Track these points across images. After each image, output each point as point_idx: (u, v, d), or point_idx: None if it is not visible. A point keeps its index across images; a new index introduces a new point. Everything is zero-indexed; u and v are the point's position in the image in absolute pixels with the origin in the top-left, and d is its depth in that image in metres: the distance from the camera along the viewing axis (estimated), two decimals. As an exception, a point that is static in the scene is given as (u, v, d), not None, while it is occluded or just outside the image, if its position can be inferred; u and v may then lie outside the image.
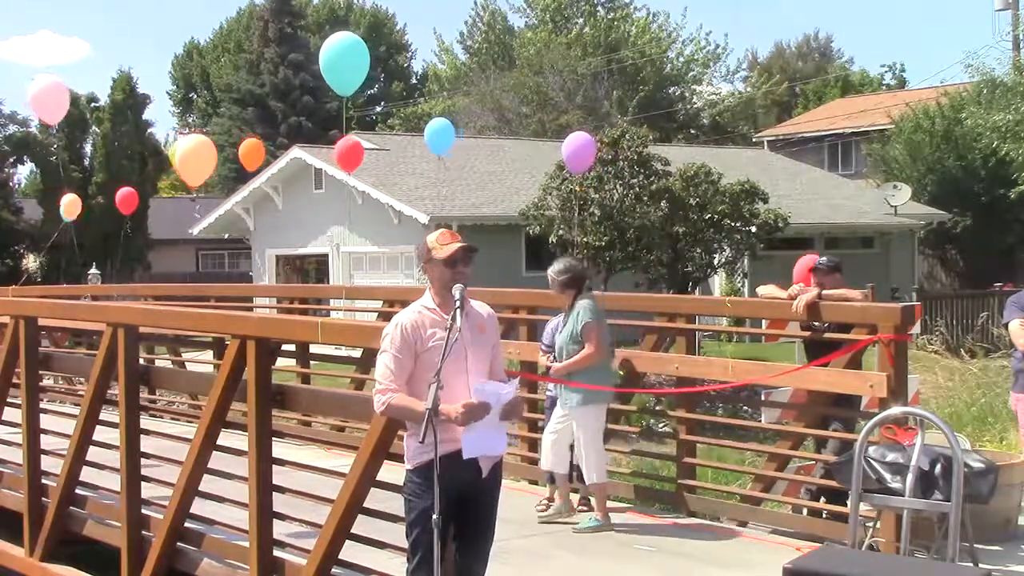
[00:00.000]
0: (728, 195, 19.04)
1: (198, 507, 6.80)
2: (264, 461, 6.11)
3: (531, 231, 20.30)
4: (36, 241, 33.97)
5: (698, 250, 19.28)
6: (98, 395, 7.45)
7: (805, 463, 8.18)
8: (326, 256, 27.57)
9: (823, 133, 41.14)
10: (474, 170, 28.01)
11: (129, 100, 39.63)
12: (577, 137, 14.49)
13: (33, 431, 7.91)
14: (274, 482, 6.23)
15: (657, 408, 11.55)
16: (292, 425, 10.94)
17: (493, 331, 5.03)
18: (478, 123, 43.44)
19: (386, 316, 9.19)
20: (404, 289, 14.93)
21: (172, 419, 11.63)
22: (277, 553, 6.20)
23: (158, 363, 13.07)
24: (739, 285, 24.08)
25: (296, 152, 27.30)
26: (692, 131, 50.51)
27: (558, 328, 8.10)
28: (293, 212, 27.96)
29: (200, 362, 13.21)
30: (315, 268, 29.33)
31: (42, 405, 8.69)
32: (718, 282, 25.31)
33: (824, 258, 7.93)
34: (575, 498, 8.26)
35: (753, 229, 19.62)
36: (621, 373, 8.93)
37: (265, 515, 6.12)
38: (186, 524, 6.77)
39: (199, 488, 6.65)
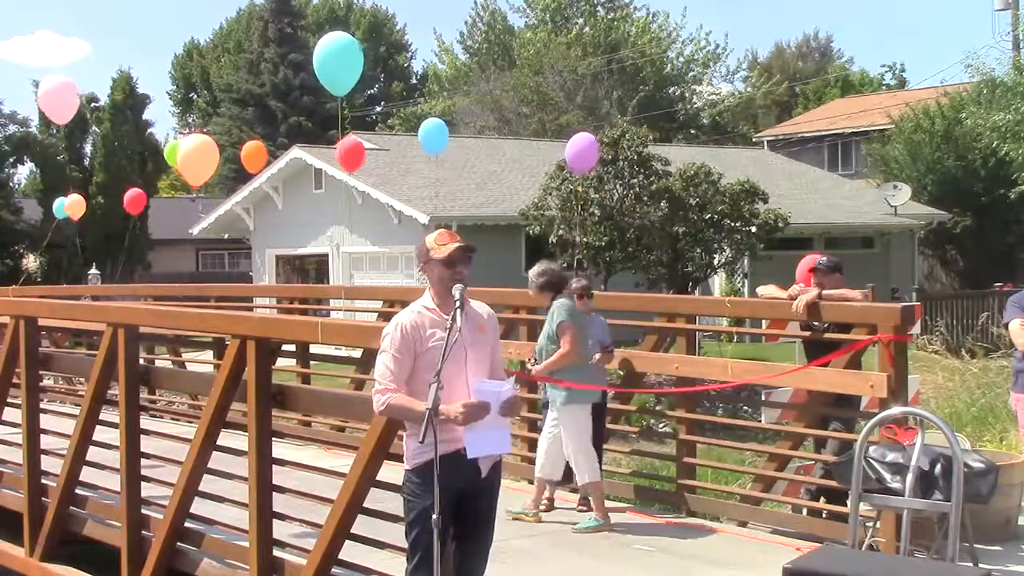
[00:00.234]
0: (728, 195, 19.05)
1: (198, 507, 6.80)
2: (264, 461, 6.11)
3: (531, 231, 20.31)
4: (36, 241, 33.97)
5: (698, 250, 19.29)
6: (98, 395, 7.44)
7: (805, 463, 8.18)
8: (326, 256, 27.57)
9: (823, 133, 41.14)
10: (474, 170, 28.00)
11: (129, 100, 39.65)
12: (581, 138, 14.47)
13: (33, 431, 7.91)
14: (274, 482, 6.22)
15: (657, 408, 11.57)
16: (292, 425, 10.94)
17: (493, 331, 5.03)
18: (478, 123, 43.43)
19: (386, 316, 9.19)
20: (404, 289, 14.92)
21: (172, 419, 11.63)
22: (277, 553, 6.20)
23: (158, 363, 13.07)
24: (739, 285, 24.08)
25: (296, 152, 27.30)
26: (692, 131, 50.50)
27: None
28: (293, 212, 27.96)
29: (200, 362, 13.21)
30: (315, 268, 29.33)
31: (42, 405, 8.68)
32: (718, 282, 25.30)
33: (824, 258, 7.93)
34: (575, 498, 8.27)
35: (753, 229, 19.62)
36: (621, 373, 8.95)
37: (265, 515, 6.12)
38: (186, 524, 6.77)
39: (199, 488, 6.65)
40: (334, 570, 5.85)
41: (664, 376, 11.25)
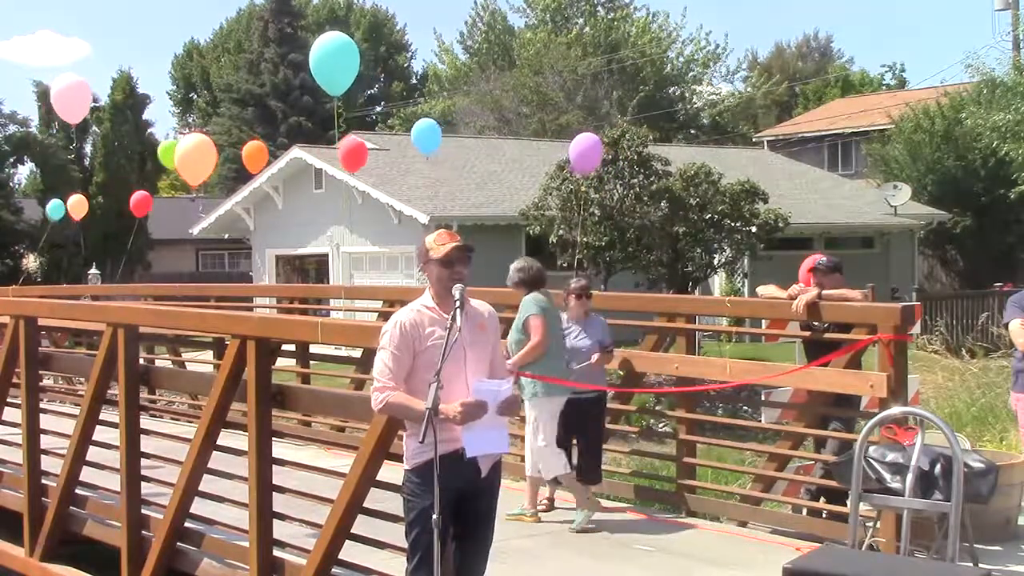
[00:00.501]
0: (728, 195, 19.05)
1: (198, 507, 6.79)
2: (264, 461, 6.11)
3: (531, 231, 20.31)
4: (36, 241, 33.96)
5: (698, 250, 19.29)
6: (98, 395, 7.44)
7: (805, 463, 8.18)
8: (326, 256, 27.57)
9: (823, 133, 41.13)
10: (474, 170, 28.00)
11: (129, 100, 39.66)
12: (584, 138, 14.42)
13: (33, 431, 7.91)
14: (274, 482, 6.22)
15: (657, 408, 11.57)
16: (292, 425, 10.94)
17: (493, 330, 5.03)
18: (478, 123, 43.44)
19: (386, 316, 9.18)
20: (404, 289, 14.92)
21: (172, 419, 11.63)
22: (277, 553, 6.19)
23: (158, 363, 13.07)
24: (739, 285, 24.08)
25: (296, 152, 27.29)
26: (692, 131, 50.50)
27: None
28: (293, 212, 27.96)
29: (200, 362, 13.21)
30: (315, 268, 29.33)
31: (42, 405, 8.68)
32: (718, 282, 25.31)
33: (824, 258, 7.93)
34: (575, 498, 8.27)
35: (753, 229, 19.62)
36: (621, 373, 8.95)
37: (265, 515, 6.11)
38: (186, 524, 6.77)
39: (199, 488, 6.65)
40: (334, 570, 5.84)
41: (664, 376, 11.25)
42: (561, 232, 18.92)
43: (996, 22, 69.78)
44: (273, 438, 6.27)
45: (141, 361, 8.16)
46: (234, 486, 6.62)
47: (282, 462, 6.51)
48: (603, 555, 7.12)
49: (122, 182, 36.48)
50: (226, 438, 6.65)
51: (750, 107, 56.34)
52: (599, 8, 52.65)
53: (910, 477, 5.94)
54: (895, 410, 6.29)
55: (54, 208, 21.94)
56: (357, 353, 11.32)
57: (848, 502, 6.38)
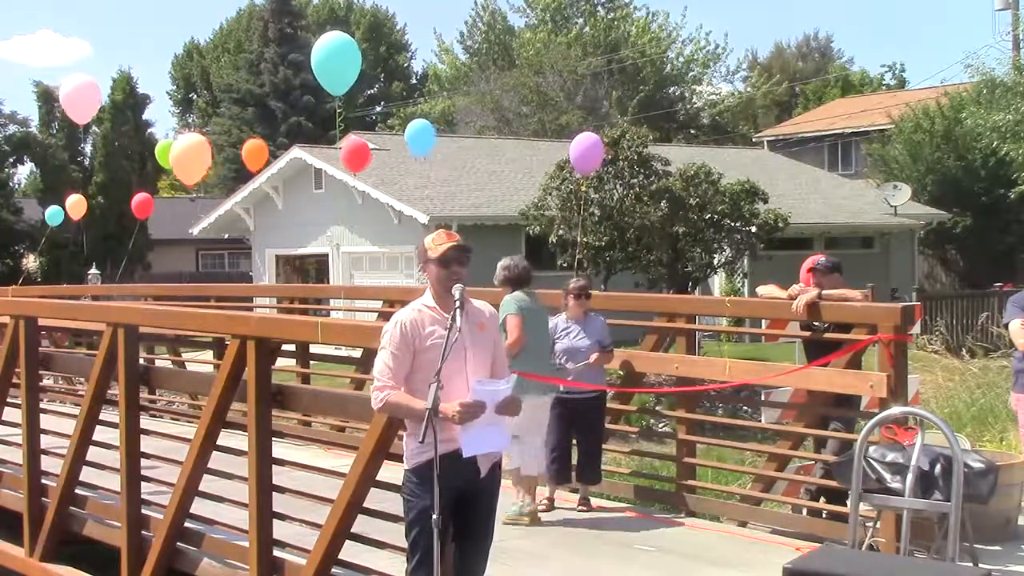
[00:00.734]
0: (728, 195, 19.05)
1: (198, 507, 6.80)
2: (264, 461, 6.11)
3: (531, 231, 20.31)
4: (36, 241, 33.97)
5: (698, 250, 19.29)
6: (98, 395, 7.45)
7: (805, 463, 8.18)
8: (326, 256, 27.58)
9: (823, 133, 41.14)
10: (474, 170, 28.01)
11: (129, 100, 39.65)
12: (585, 138, 14.38)
13: (33, 431, 7.91)
14: (274, 482, 6.22)
15: (657, 408, 11.57)
16: (292, 425, 10.94)
17: (494, 329, 5.04)
18: (478, 123, 43.44)
19: (386, 316, 9.19)
20: (404, 289, 14.92)
21: (172, 419, 11.63)
22: (277, 553, 6.19)
23: (158, 363, 13.07)
24: (739, 285, 24.09)
25: (296, 152, 27.29)
26: (692, 131, 50.51)
27: (556, 328, 8.11)
28: (293, 212, 27.96)
29: (200, 362, 13.21)
30: (315, 268, 29.33)
31: (42, 405, 8.69)
32: (718, 282, 25.31)
33: (823, 258, 7.93)
34: (575, 498, 8.27)
35: (753, 229, 19.63)
36: (621, 373, 8.95)
37: (265, 515, 6.11)
38: (186, 524, 6.77)
39: (199, 488, 6.65)
40: (334, 570, 5.85)
41: (664, 376, 11.25)
42: (561, 232, 18.93)
43: (996, 22, 69.71)
44: (273, 438, 6.28)
45: (141, 361, 8.17)
46: (234, 486, 6.61)
47: (282, 462, 6.51)
48: (603, 555, 7.12)
49: (122, 182, 36.49)
50: (226, 438, 6.65)
51: (750, 107, 56.37)
52: (599, 8, 52.69)
53: (910, 477, 5.94)
54: (895, 410, 6.29)
55: (53, 214, 21.95)
56: (357, 353, 11.32)
57: (848, 502, 6.38)
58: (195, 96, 63.04)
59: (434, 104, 52.13)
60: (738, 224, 19.31)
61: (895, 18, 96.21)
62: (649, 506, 8.61)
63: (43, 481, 7.94)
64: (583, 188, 17.68)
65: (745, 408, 14.19)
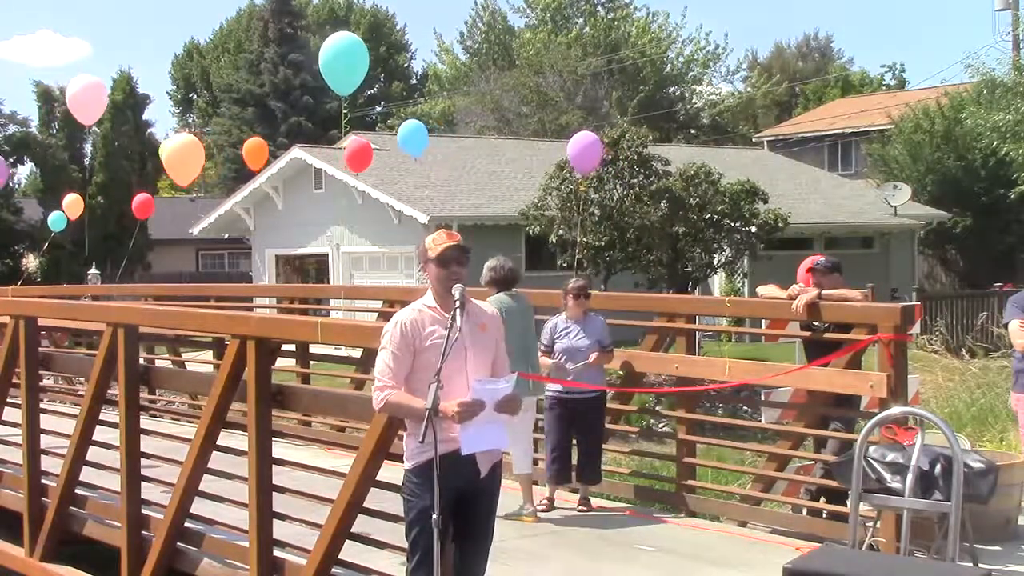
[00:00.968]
0: (728, 195, 19.05)
1: (198, 507, 6.80)
2: (264, 461, 6.11)
3: (531, 231, 20.32)
4: (36, 241, 33.96)
5: (698, 250, 19.29)
6: (98, 395, 7.44)
7: (805, 463, 8.18)
8: (326, 256, 27.57)
9: (823, 133, 41.14)
10: (474, 170, 28.00)
11: (129, 100, 39.65)
12: (583, 137, 14.36)
13: (33, 431, 7.91)
14: (274, 482, 6.23)
15: (657, 408, 11.57)
16: (292, 425, 10.94)
17: (495, 329, 5.03)
18: (478, 123, 43.45)
19: (386, 316, 9.19)
20: (404, 289, 14.92)
21: (172, 419, 11.63)
22: (277, 553, 6.19)
23: (158, 363, 13.07)
24: (739, 285, 24.09)
25: (296, 152, 27.29)
26: (692, 131, 50.52)
27: (556, 328, 8.11)
28: (293, 212, 27.96)
29: (200, 362, 13.21)
30: (315, 268, 29.33)
31: (42, 405, 8.69)
32: (718, 282, 25.31)
33: (823, 258, 7.93)
34: (575, 498, 8.27)
35: (753, 229, 19.63)
36: (621, 373, 8.95)
37: (265, 515, 6.11)
38: (186, 524, 6.77)
39: (199, 488, 6.65)
40: (334, 570, 5.85)
41: (664, 376, 11.25)
42: (561, 232, 18.93)
43: (996, 22, 69.67)
44: (273, 438, 6.28)
45: (141, 361, 8.17)
46: (234, 486, 6.61)
47: (282, 462, 6.51)
48: (603, 555, 7.12)
49: (122, 182, 36.49)
50: (226, 438, 6.65)
51: (750, 107, 56.37)
52: (599, 8, 52.68)
53: (910, 477, 5.94)
54: (895, 410, 6.29)
55: (56, 220, 21.98)
56: (357, 353, 11.32)
57: (848, 502, 6.38)
58: (195, 96, 63.04)
59: (434, 104, 52.14)
60: (738, 224, 19.31)
61: (895, 18, 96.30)
62: (649, 506, 8.61)
63: (43, 481, 7.94)
64: (582, 188, 17.68)
65: (745, 408, 14.19)
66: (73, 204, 20.46)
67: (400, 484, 4.93)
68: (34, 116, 39.81)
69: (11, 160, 37.85)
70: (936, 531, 6.16)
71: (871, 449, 6.17)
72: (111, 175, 37.23)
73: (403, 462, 4.89)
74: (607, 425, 8.58)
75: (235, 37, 59.15)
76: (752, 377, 8.09)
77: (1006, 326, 7.43)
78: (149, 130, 41.75)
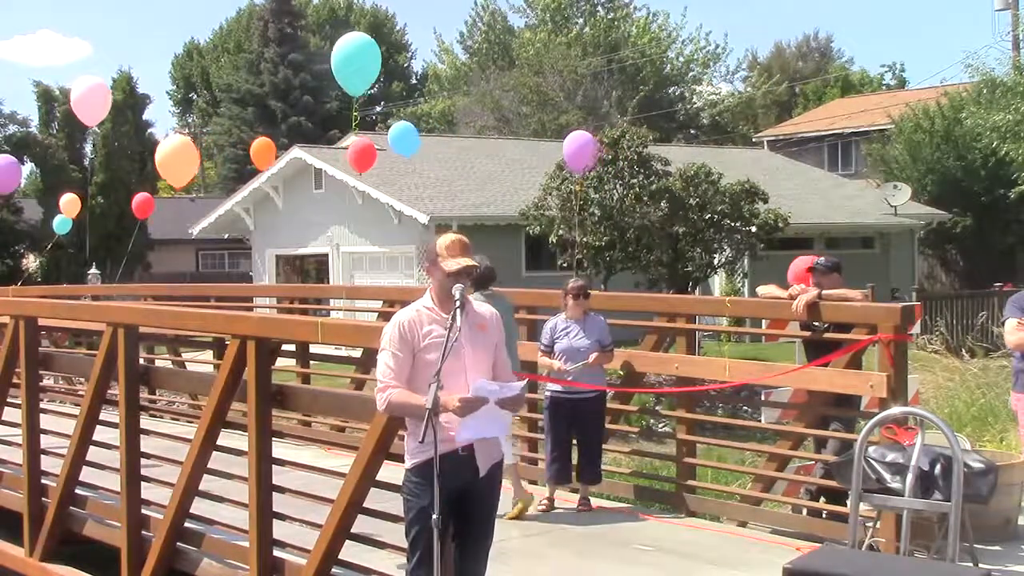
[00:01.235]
0: (728, 195, 19.05)
1: (198, 507, 6.80)
2: (264, 461, 6.11)
3: (531, 231, 20.33)
4: (36, 241, 33.94)
5: (698, 250, 19.29)
6: (98, 395, 7.45)
7: (805, 463, 8.18)
8: (326, 256, 27.57)
9: (823, 133, 41.15)
10: (474, 170, 28.00)
11: (129, 100, 39.62)
12: (577, 136, 14.36)
13: (33, 431, 7.91)
14: (274, 482, 6.23)
15: (657, 408, 11.57)
16: (292, 425, 10.94)
17: (495, 330, 5.02)
18: (478, 123, 43.45)
19: (386, 316, 9.19)
20: (404, 289, 14.92)
21: (172, 419, 11.63)
22: (277, 553, 6.19)
23: (158, 363, 13.07)
24: (739, 285, 24.09)
25: (296, 152, 27.29)
26: (692, 131, 50.54)
27: (555, 328, 8.11)
28: (293, 212, 27.96)
29: (200, 362, 13.21)
30: (315, 268, 29.33)
31: (42, 405, 8.68)
32: (718, 282, 25.31)
33: (823, 258, 7.92)
34: (575, 498, 8.27)
35: (753, 229, 19.63)
36: (621, 373, 8.95)
37: (265, 515, 6.11)
38: (186, 524, 6.77)
39: (199, 488, 6.65)
40: (334, 570, 5.85)
41: (664, 376, 11.25)
42: (561, 232, 18.93)
43: (996, 22, 69.81)
44: (273, 438, 6.28)
45: (141, 361, 8.17)
46: (234, 486, 6.62)
47: (282, 462, 6.51)
48: (603, 555, 7.12)
49: (122, 182, 36.47)
50: (226, 438, 6.65)
51: (750, 107, 56.36)
52: (599, 8, 52.69)
53: (910, 477, 5.93)
54: (895, 410, 6.29)
55: (61, 223, 21.99)
56: (357, 353, 11.32)
57: (848, 502, 6.38)
58: (195, 96, 63.05)
59: (434, 104, 52.16)
60: (738, 224, 19.31)
61: (895, 18, 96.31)
62: (649, 506, 8.61)
63: (43, 481, 7.94)
64: (580, 187, 17.69)
65: (745, 408, 14.20)
66: (70, 204, 20.46)
67: (400, 484, 4.93)
68: (34, 116, 39.83)
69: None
70: (936, 531, 6.16)
71: (871, 449, 6.16)
72: (111, 175, 37.21)
73: (403, 462, 4.89)
74: (607, 425, 8.58)
75: (235, 37, 59.17)
76: (752, 377, 8.09)
77: (1004, 324, 7.43)
78: (149, 130, 41.70)
